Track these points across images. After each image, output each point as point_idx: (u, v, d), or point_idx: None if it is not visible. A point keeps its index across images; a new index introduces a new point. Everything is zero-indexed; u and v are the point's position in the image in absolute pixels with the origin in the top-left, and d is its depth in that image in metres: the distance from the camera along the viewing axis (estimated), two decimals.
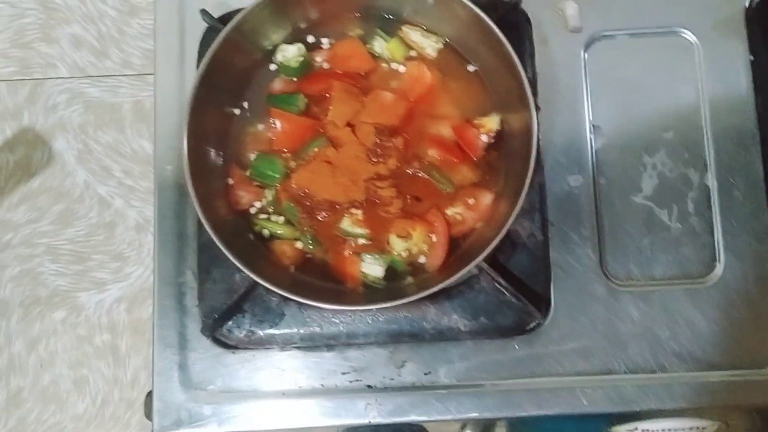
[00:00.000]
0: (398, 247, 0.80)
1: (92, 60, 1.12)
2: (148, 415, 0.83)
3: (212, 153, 0.83)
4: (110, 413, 1.05)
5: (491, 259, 0.83)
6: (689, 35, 0.89)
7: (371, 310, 0.82)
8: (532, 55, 0.88)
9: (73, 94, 1.12)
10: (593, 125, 0.87)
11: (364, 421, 0.82)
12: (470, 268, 0.75)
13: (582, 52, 0.89)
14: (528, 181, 0.75)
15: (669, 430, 0.86)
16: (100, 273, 1.08)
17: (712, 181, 0.86)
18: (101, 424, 1.04)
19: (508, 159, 0.82)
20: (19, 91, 1.11)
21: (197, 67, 0.88)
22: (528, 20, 0.89)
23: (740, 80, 0.88)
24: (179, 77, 0.89)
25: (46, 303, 1.07)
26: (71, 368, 1.06)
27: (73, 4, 1.13)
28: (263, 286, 0.81)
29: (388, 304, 0.75)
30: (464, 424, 0.87)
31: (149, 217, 0.99)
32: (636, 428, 0.85)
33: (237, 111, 0.85)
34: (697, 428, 0.86)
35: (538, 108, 0.86)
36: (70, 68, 1.13)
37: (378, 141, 0.81)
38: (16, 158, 1.11)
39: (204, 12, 0.87)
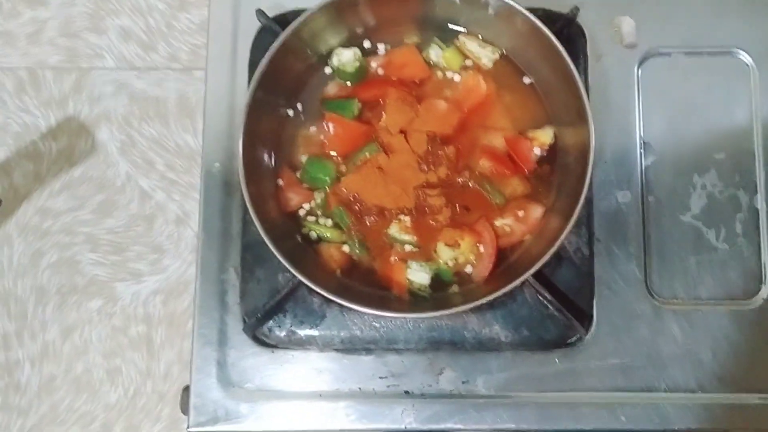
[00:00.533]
0: (445, 255, 0.80)
1: (139, 52, 1.12)
2: (185, 409, 0.84)
3: (264, 154, 0.83)
4: (142, 405, 1.05)
5: (536, 272, 0.82)
6: (745, 57, 0.88)
7: (417, 318, 0.82)
8: (586, 70, 0.88)
9: (118, 86, 1.13)
10: (644, 142, 0.87)
11: (401, 426, 0.82)
12: (519, 282, 0.74)
13: (636, 69, 0.88)
14: (583, 197, 0.75)
15: None
16: (137, 264, 1.08)
17: (761, 204, 0.86)
18: (132, 415, 1.05)
19: (561, 174, 0.82)
20: (65, 80, 1.12)
21: (249, 65, 0.88)
22: (583, 34, 0.89)
23: None
24: (230, 75, 0.89)
25: (82, 292, 1.07)
26: (105, 358, 1.06)
27: None
28: (307, 288, 0.82)
29: (434, 314, 0.76)
30: None
31: (189, 212, 0.99)
32: None
33: (291, 112, 0.86)
34: None
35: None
36: (117, 59, 1.13)
37: (430, 149, 0.81)
38: (59, 146, 1.11)
39: (260, 12, 0.87)
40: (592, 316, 0.83)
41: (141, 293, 1.08)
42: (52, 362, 1.06)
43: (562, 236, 0.74)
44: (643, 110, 0.87)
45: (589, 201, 0.85)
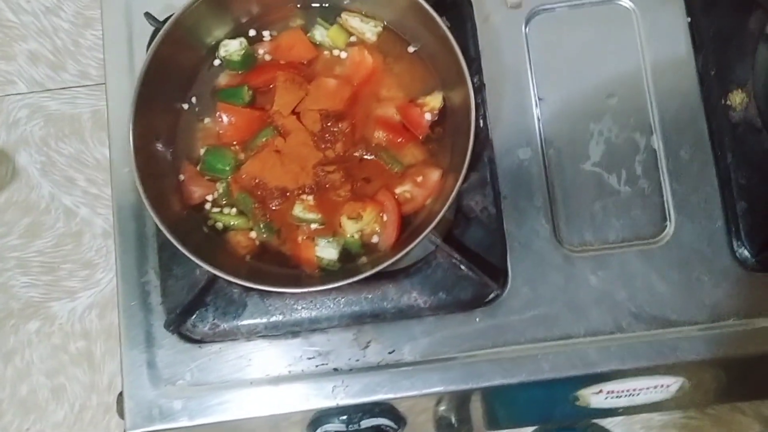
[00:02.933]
0: (350, 228, 0.82)
1: (50, 73, 1.13)
2: (121, 414, 0.84)
3: (162, 151, 0.84)
4: (89, 418, 1.06)
5: (446, 235, 0.84)
6: (626, 2, 0.90)
7: (329, 290, 0.83)
8: (475, 34, 0.89)
9: (33, 109, 1.13)
10: (539, 98, 0.88)
11: (333, 403, 0.83)
12: (419, 241, 0.76)
13: (523, 28, 0.90)
14: (469, 153, 0.76)
15: (633, 389, 0.87)
16: (70, 282, 1.09)
17: (658, 144, 0.87)
18: (81, 430, 1.05)
19: (454, 135, 0.83)
20: None
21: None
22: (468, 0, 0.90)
23: (679, 42, 0.89)
24: (130, 82, 0.90)
25: (19, 315, 1.08)
26: (48, 377, 1.07)
27: (27, 20, 1.14)
28: (222, 278, 0.83)
29: (344, 282, 0.76)
30: (439, 399, 0.88)
31: None
32: (600, 390, 0.87)
33: (186, 106, 0.87)
34: (661, 386, 0.87)
35: (482, 84, 0.87)
36: (28, 83, 1.14)
37: (325, 127, 0.83)
38: None
39: (148, 15, 0.88)
40: (506, 272, 0.84)
41: (77, 309, 1.08)
42: None
43: (454, 192, 0.76)
44: (535, 67, 0.89)
45: (491, 160, 0.86)
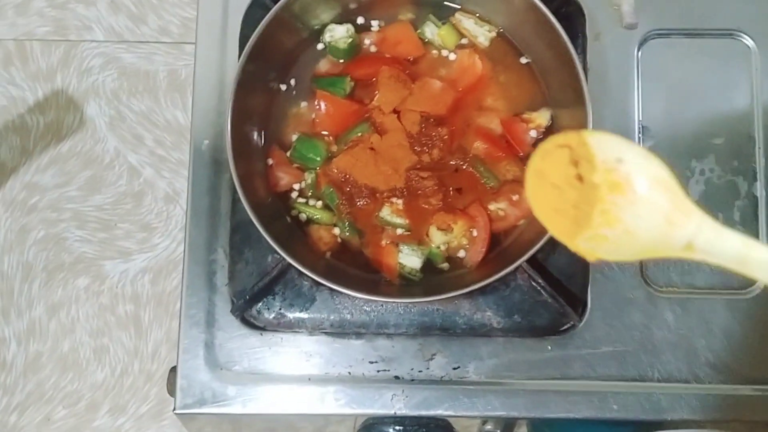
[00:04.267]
0: (438, 239, 0.79)
1: (129, 25, 1.10)
2: (171, 391, 0.83)
3: (254, 132, 0.82)
4: (129, 384, 1.04)
5: (530, 258, 0.81)
6: (747, 39, 0.86)
7: (407, 303, 0.81)
8: (584, 50, 0.86)
9: (107, 59, 1.10)
10: (642, 126, 0.85)
11: (390, 412, 0.80)
12: (512, 268, 0.73)
13: (635, 50, 0.86)
14: None
15: None
16: (126, 242, 1.07)
17: (760, 191, 0.84)
18: (119, 395, 1.04)
19: None
20: (54, 52, 1.09)
21: (240, 40, 0.86)
22: (582, 13, 0.86)
23: None
24: (220, 50, 0.87)
25: (69, 269, 1.06)
26: (92, 336, 1.05)
27: None
28: (297, 270, 0.80)
29: (425, 300, 0.74)
30: (485, 420, 0.86)
31: (179, 189, 0.98)
32: None
33: (283, 87, 0.84)
34: None
35: None
36: (106, 32, 1.11)
37: (423, 130, 0.80)
38: (46, 120, 1.09)
39: None
40: (585, 302, 0.82)
41: (129, 272, 1.06)
42: (38, 340, 1.05)
43: None
44: (642, 93, 0.86)
45: None
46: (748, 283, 0.82)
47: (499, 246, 0.80)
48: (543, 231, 0.74)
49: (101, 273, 1.06)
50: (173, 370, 0.83)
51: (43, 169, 1.08)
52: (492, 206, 0.80)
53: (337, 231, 0.80)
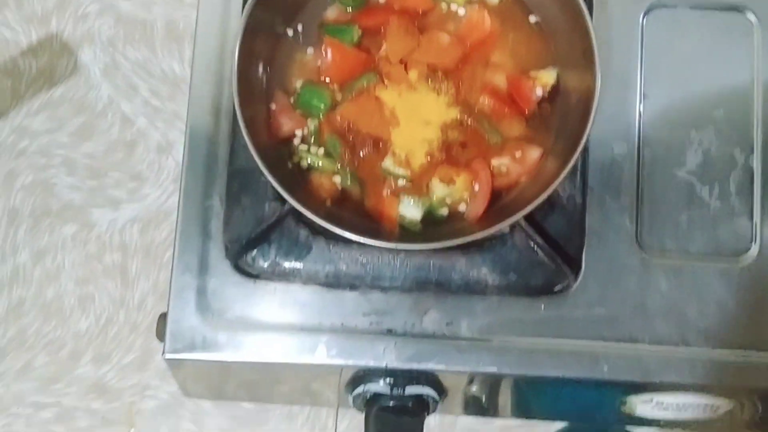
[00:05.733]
0: (439, 192, 0.79)
1: None
2: (161, 336, 0.82)
3: (258, 76, 0.81)
4: (113, 334, 1.03)
5: (528, 217, 0.81)
6: (751, 16, 0.87)
7: (398, 251, 0.81)
8: (590, 15, 0.86)
9: (104, 5, 1.09)
10: (644, 95, 0.86)
11: (381, 364, 0.80)
12: (512, 221, 0.74)
13: (641, 18, 0.87)
14: (583, 142, 0.74)
15: (684, 404, 0.86)
16: (115, 191, 1.05)
17: (756, 164, 0.85)
18: (103, 344, 1.02)
19: (561, 117, 0.81)
20: None
21: None
22: None
23: None
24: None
25: (57, 216, 1.04)
26: (77, 284, 1.03)
27: None
28: (294, 219, 0.80)
29: (423, 246, 0.75)
30: (471, 378, 0.86)
31: (172, 141, 0.97)
32: (652, 399, 0.85)
33: (290, 32, 0.83)
34: (711, 406, 0.86)
35: None
36: None
37: (429, 82, 0.80)
38: (39, 65, 1.07)
39: None
40: (580, 264, 0.82)
41: (118, 221, 1.05)
42: (22, 286, 1.03)
43: (559, 179, 0.73)
44: (645, 62, 0.86)
45: (585, 149, 0.84)
46: (741, 251, 0.84)
47: (500, 202, 0.80)
48: (543, 189, 0.74)
49: (89, 221, 1.05)
50: (163, 315, 0.82)
51: (34, 113, 1.06)
52: (495, 162, 0.80)
53: (338, 179, 0.80)
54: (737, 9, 0.87)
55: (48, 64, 1.07)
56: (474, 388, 0.90)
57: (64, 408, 1.02)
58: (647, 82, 0.86)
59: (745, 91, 0.86)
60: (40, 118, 1.06)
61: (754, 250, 0.83)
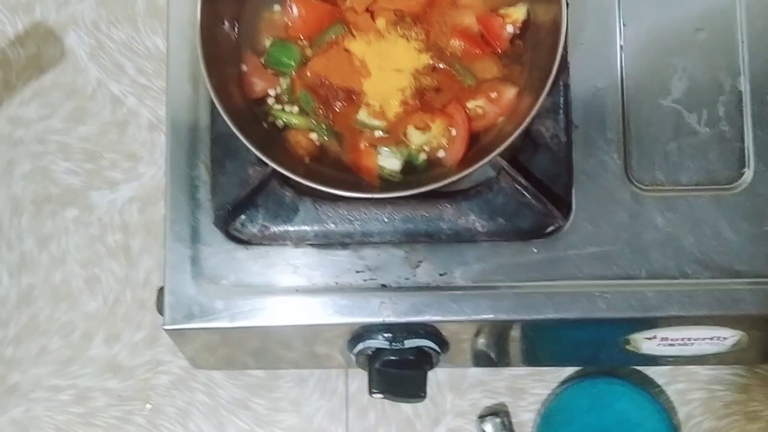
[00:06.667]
0: (416, 139, 0.78)
1: None
2: (160, 309, 0.83)
3: (227, 34, 0.81)
4: (122, 313, 1.04)
5: (512, 159, 0.80)
6: None
7: (385, 203, 0.80)
8: None
9: None
10: (623, 24, 0.84)
11: (378, 319, 0.80)
12: (488, 160, 0.73)
13: None
14: (553, 74, 0.73)
15: (688, 339, 0.84)
16: (112, 172, 1.06)
17: (744, 86, 0.82)
18: (113, 324, 1.04)
19: (534, 52, 0.79)
20: None
21: None
22: None
23: None
24: None
25: (57, 201, 1.06)
26: (83, 267, 1.05)
27: None
28: (278, 181, 0.80)
29: (404, 193, 0.74)
30: (478, 330, 0.86)
31: (163, 117, 0.96)
32: (654, 336, 0.84)
33: None
34: (718, 338, 0.84)
35: (566, 2, 0.82)
36: None
37: (398, 29, 0.79)
38: (27, 53, 1.08)
39: None
40: (570, 204, 0.81)
41: (117, 201, 1.06)
42: (30, 272, 1.05)
43: (531, 114, 0.72)
44: None
45: (566, 86, 0.82)
46: (734, 178, 0.82)
47: (479, 144, 0.79)
48: (520, 125, 0.73)
49: (89, 203, 1.06)
50: (161, 289, 0.83)
51: (26, 102, 1.07)
52: (470, 104, 0.79)
53: (314, 136, 0.79)
54: None
55: (36, 52, 1.08)
56: (477, 339, 0.89)
57: (80, 389, 1.03)
58: (626, 9, 0.84)
59: (728, 11, 0.84)
60: (33, 106, 1.07)
61: (748, 175, 0.81)
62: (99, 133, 1.07)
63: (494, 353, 0.95)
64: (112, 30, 1.09)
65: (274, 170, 0.77)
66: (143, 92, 1.07)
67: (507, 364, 1.01)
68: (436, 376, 1.01)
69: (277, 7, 0.82)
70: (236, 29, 0.82)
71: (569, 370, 1.01)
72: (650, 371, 1.00)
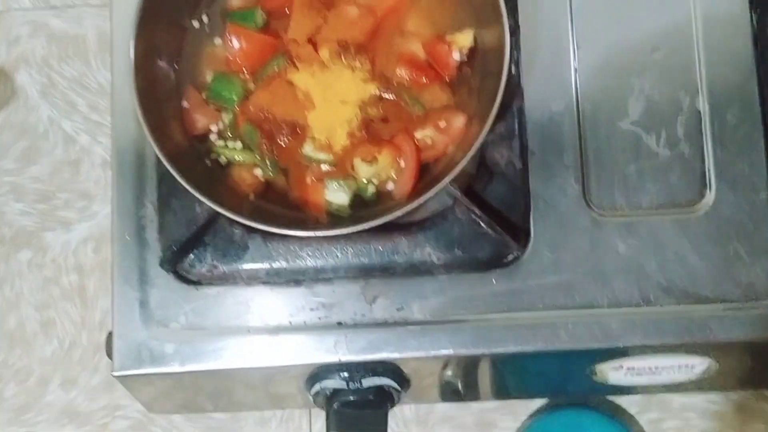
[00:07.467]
0: (364, 172, 0.76)
1: None
2: (110, 354, 0.80)
3: (165, 71, 0.78)
4: (78, 356, 1.01)
5: (466, 189, 0.78)
6: None
7: (337, 238, 0.78)
8: None
9: (35, 26, 1.07)
10: (577, 46, 0.82)
11: (334, 358, 0.77)
12: (437, 190, 0.70)
13: None
14: (498, 98, 0.71)
15: (656, 367, 0.82)
16: (66, 212, 1.04)
17: (703, 105, 0.81)
18: (69, 367, 1.01)
19: (483, 79, 0.77)
20: None
21: None
22: None
23: None
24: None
25: (11, 243, 1.03)
26: (38, 310, 1.02)
27: None
28: (224, 216, 0.77)
29: (352, 229, 0.71)
30: (446, 363, 0.83)
31: None
32: (621, 366, 0.81)
33: (195, 23, 0.81)
34: (686, 366, 0.82)
35: (517, 27, 0.80)
36: None
37: (342, 59, 0.77)
38: None
39: None
40: (528, 232, 0.79)
41: (71, 242, 1.03)
42: None
43: (479, 140, 0.70)
44: (575, 11, 0.82)
45: (520, 111, 0.80)
46: (695, 200, 0.79)
47: (429, 175, 0.77)
48: (468, 152, 0.71)
49: (43, 245, 1.03)
50: (110, 333, 0.80)
51: None
52: (419, 134, 0.76)
53: (259, 171, 0.77)
54: None
55: None
56: (442, 374, 0.87)
57: None
58: (580, 31, 0.82)
59: (684, 29, 0.82)
60: None
61: (710, 196, 0.79)
62: (52, 172, 1.05)
63: (460, 387, 0.92)
64: (64, 67, 1.07)
65: None
66: (96, 129, 1.05)
67: (475, 398, 0.98)
68: (402, 412, 0.98)
69: (218, 41, 0.80)
70: (175, 65, 0.79)
71: (539, 402, 0.98)
72: (622, 400, 0.97)
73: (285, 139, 0.77)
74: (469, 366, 0.85)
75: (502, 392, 0.96)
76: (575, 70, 0.81)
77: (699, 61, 0.81)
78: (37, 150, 1.05)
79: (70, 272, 1.03)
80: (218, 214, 0.77)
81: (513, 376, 0.91)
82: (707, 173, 0.80)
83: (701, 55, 0.81)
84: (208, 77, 0.79)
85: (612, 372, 0.83)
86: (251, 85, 0.78)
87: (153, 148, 0.78)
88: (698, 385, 0.89)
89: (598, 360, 0.81)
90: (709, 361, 0.81)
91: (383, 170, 0.76)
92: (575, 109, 0.81)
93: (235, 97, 0.77)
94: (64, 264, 1.03)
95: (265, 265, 0.79)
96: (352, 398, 0.80)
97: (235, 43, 0.78)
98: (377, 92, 0.77)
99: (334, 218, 0.76)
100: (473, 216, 0.78)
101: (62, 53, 1.07)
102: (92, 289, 1.02)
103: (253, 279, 0.79)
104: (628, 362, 0.81)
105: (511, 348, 0.77)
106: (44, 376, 1.01)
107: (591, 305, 0.77)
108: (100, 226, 1.03)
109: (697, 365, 0.82)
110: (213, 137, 0.79)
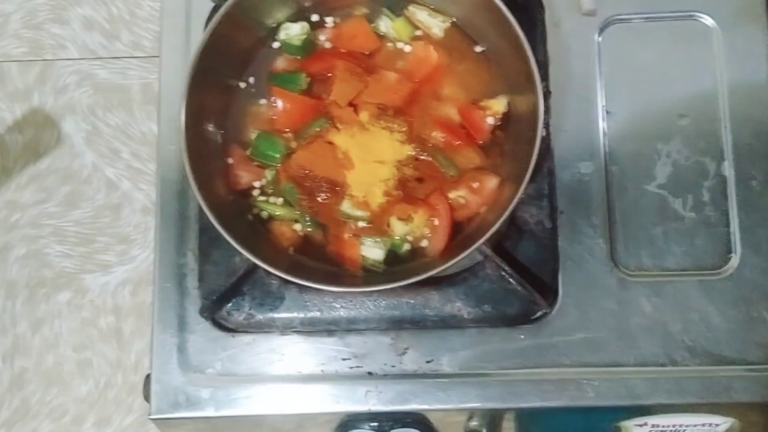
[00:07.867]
0: (399, 230, 0.78)
1: (103, 42, 1.11)
2: (147, 397, 0.82)
3: (212, 131, 0.82)
4: (113, 396, 1.04)
5: (496, 246, 0.80)
6: (708, 20, 0.86)
7: (370, 292, 0.80)
8: (544, 39, 0.86)
9: (82, 76, 1.12)
10: (606, 111, 0.85)
11: (364, 408, 0.80)
12: (471, 251, 0.73)
13: (596, 36, 0.86)
14: (532, 163, 0.73)
15: (680, 425, 0.83)
16: (105, 255, 1.07)
17: (729, 171, 0.83)
18: (103, 407, 1.04)
19: (515, 143, 0.80)
20: (30, 72, 1.11)
21: None
22: (540, 3, 0.86)
23: (760, 68, 0.85)
24: (184, 58, 0.88)
25: (51, 284, 1.07)
26: (75, 350, 1.05)
27: None
28: (262, 269, 0.80)
29: (387, 286, 0.74)
30: (471, 415, 0.85)
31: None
32: (645, 423, 0.83)
33: (242, 85, 0.84)
34: (710, 425, 0.83)
35: (548, 92, 0.84)
36: (80, 49, 1.12)
37: (381, 122, 0.80)
38: (25, 139, 1.10)
39: None
40: (556, 290, 0.81)
41: (110, 284, 1.07)
42: (23, 356, 1.05)
43: (512, 204, 0.72)
44: (605, 78, 0.85)
45: (551, 172, 0.83)
46: (721, 263, 0.81)
47: (462, 234, 0.79)
48: (503, 215, 0.74)
49: (82, 286, 1.07)
50: (148, 376, 0.83)
51: (23, 186, 1.09)
52: (452, 194, 0.79)
53: (298, 227, 0.80)
54: (692, 15, 0.86)
55: (33, 138, 1.11)
56: (466, 424, 0.88)
57: None
58: (609, 98, 0.85)
59: (710, 96, 0.85)
60: (29, 191, 1.09)
61: (734, 260, 0.81)
62: (93, 216, 1.09)
63: None
64: (108, 116, 1.11)
65: None
66: (137, 176, 1.09)
67: None
68: None
69: (262, 101, 0.83)
70: (221, 128, 0.82)
71: None
72: None
73: (324, 196, 0.80)
74: (495, 418, 0.87)
75: None
76: (604, 133, 0.84)
77: (725, 129, 0.84)
78: (80, 195, 1.09)
79: (108, 314, 1.06)
80: (255, 265, 0.80)
81: (538, 429, 0.92)
82: (732, 237, 0.81)
83: (727, 123, 0.84)
84: (252, 135, 0.82)
85: (636, 429, 0.84)
86: (293, 144, 0.81)
87: (197, 201, 0.83)
88: None
89: (622, 417, 0.83)
90: (732, 420, 0.82)
91: (418, 228, 0.79)
92: (604, 171, 0.83)
93: (277, 155, 0.81)
94: (102, 306, 1.06)
95: (300, 315, 0.82)
96: None
97: (279, 104, 0.81)
98: (413, 153, 0.80)
99: (369, 273, 0.79)
100: (503, 273, 0.80)
101: (107, 102, 1.11)
102: (128, 331, 1.05)
103: (287, 328, 0.82)
104: (652, 420, 0.82)
105: (537, 403, 0.79)
106: (79, 415, 1.04)
107: (617, 363, 0.79)
108: (138, 270, 1.07)
109: (720, 424, 0.83)
110: (255, 192, 0.82)
